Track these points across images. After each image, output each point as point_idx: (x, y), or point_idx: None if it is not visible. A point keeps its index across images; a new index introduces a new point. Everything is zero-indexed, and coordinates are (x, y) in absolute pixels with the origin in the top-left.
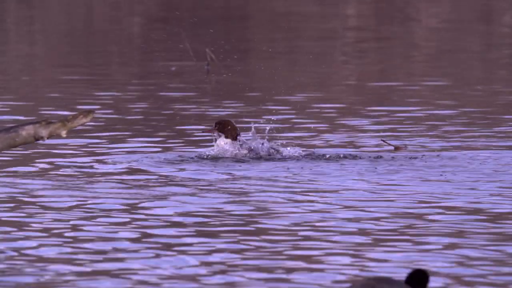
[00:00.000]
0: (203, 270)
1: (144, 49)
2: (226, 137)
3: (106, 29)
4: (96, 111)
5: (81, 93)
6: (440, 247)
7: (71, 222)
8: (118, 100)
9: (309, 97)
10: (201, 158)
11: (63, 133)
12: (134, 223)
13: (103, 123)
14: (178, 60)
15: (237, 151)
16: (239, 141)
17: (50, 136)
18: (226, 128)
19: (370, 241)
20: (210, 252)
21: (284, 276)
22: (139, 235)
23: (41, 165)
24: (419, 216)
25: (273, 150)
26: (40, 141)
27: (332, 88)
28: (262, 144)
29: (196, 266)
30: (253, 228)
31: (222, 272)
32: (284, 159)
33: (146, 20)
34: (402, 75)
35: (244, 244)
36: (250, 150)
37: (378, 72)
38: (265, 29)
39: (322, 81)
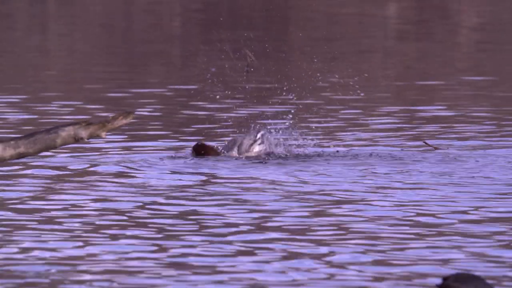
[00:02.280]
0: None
1: (184, 49)
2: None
3: (146, 29)
4: (135, 112)
5: (120, 93)
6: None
7: (94, 222)
8: (156, 100)
9: (348, 97)
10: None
11: (103, 134)
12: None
13: (139, 123)
14: (218, 61)
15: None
16: (230, 142)
17: (90, 137)
18: (206, 152)
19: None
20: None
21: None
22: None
23: (75, 165)
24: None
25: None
26: (80, 142)
27: (372, 88)
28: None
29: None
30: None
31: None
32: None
33: (186, 20)
34: (442, 75)
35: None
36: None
37: (419, 72)
38: (305, 29)
39: (362, 81)
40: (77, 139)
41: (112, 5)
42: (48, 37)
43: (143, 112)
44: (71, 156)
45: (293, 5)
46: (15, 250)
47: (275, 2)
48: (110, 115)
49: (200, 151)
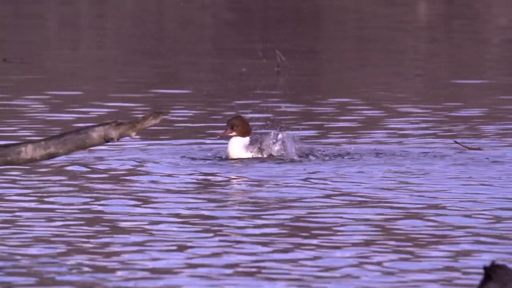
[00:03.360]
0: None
1: (214, 49)
2: (238, 135)
3: (177, 28)
4: (168, 112)
5: (150, 92)
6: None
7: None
8: (187, 100)
9: (379, 96)
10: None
11: (133, 134)
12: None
13: (169, 121)
14: (248, 61)
15: (254, 153)
16: (252, 140)
17: (120, 137)
18: (239, 126)
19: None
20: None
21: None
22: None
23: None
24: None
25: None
26: (110, 143)
27: (403, 87)
28: (275, 142)
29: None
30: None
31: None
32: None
33: (217, 20)
34: (471, 74)
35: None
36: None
37: (449, 71)
38: (336, 29)
39: (392, 80)
40: (107, 140)
41: (143, 4)
42: (79, 37)
43: (173, 111)
44: (104, 152)
45: (324, 5)
46: (54, 248)
47: (306, 2)
48: (143, 114)
49: (234, 124)
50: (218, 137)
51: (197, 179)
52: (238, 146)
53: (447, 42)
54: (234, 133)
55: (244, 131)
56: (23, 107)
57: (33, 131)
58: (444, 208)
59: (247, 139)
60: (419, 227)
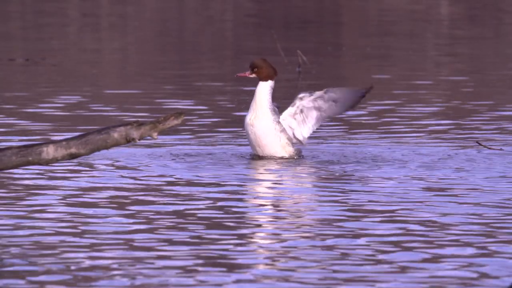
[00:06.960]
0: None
1: (235, 49)
2: (261, 79)
3: (198, 27)
4: (188, 112)
5: (171, 92)
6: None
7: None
8: (206, 99)
9: (400, 96)
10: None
11: (155, 135)
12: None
13: (189, 120)
14: (270, 61)
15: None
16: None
17: (141, 138)
18: (262, 69)
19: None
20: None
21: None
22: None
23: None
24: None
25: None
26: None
27: (425, 88)
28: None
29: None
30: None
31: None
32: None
33: (238, 20)
34: (494, 73)
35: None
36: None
37: (470, 71)
38: (358, 29)
39: (414, 80)
40: (129, 140)
41: (165, 1)
42: (100, 35)
43: (194, 108)
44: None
45: (345, 4)
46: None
47: (327, 2)
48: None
49: (255, 65)
50: (236, 76)
51: (218, 178)
52: (264, 92)
53: (469, 41)
54: (253, 75)
55: (266, 74)
56: (47, 107)
57: (55, 131)
58: (473, 209)
59: (271, 83)
60: (453, 229)
